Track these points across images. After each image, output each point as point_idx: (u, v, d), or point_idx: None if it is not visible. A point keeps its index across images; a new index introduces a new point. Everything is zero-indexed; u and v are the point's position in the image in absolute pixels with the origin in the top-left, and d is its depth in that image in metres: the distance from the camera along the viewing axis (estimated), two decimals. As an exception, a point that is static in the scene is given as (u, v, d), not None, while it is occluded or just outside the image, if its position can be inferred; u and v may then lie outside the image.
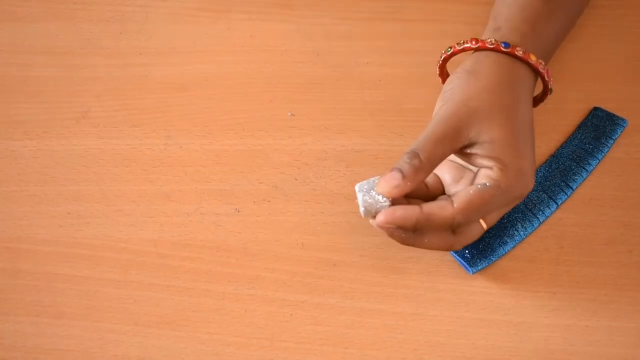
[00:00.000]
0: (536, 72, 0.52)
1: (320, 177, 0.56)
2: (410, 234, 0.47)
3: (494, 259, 0.52)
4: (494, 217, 0.50)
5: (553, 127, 0.58)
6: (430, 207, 0.47)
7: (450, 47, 0.53)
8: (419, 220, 0.46)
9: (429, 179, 0.52)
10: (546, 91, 0.53)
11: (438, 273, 0.53)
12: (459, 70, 0.52)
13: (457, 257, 0.52)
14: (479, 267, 0.52)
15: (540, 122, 0.58)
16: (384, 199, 0.47)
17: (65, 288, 0.53)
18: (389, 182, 0.46)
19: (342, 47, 0.62)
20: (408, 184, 0.46)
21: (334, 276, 0.53)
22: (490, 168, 0.48)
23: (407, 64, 0.61)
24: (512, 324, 0.51)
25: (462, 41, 0.52)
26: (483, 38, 0.51)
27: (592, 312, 0.51)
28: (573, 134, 0.58)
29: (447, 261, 0.53)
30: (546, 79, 0.52)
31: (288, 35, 0.62)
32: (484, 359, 0.50)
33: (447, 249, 0.49)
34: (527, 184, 0.49)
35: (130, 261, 0.54)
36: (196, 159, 0.57)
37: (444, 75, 0.55)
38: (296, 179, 0.57)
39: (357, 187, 0.47)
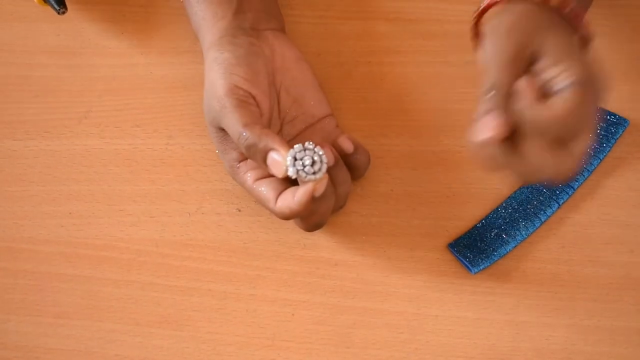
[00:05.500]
0: (561, 13, 0.47)
1: (322, 177, 0.56)
2: (505, 153, 0.44)
3: (495, 259, 0.52)
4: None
5: (554, 126, 0.58)
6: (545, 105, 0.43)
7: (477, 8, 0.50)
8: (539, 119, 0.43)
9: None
10: (586, 35, 0.49)
11: (439, 273, 0.53)
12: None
13: (459, 256, 0.53)
14: (481, 267, 0.52)
15: (542, 121, 0.58)
16: (314, 173, 0.47)
17: (66, 288, 0.53)
18: (488, 127, 0.44)
19: (343, 46, 0.62)
20: (502, 121, 0.44)
21: (335, 276, 0.53)
22: (564, 71, 0.44)
23: (408, 63, 0.61)
24: (513, 324, 0.51)
25: None
26: None
27: (594, 311, 0.52)
28: (574, 133, 0.58)
29: (449, 261, 0.53)
30: (576, 21, 0.48)
31: (289, 35, 0.62)
32: (486, 358, 0.50)
33: (561, 172, 0.44)
34: (600, 76, 0.45)
35: (131, 261, 0.54)
36: (198, 159, 0.57)
37: (478, 36, 0.51)
38: (297, 179, 0.56)
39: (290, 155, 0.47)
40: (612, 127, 0.57)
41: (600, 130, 0.57)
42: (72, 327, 0.52)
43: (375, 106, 0.59)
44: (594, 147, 0.57)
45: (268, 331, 0.51)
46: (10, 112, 0.59)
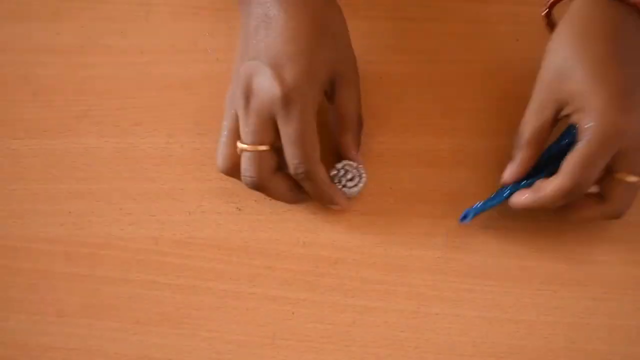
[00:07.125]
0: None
1: (321, 176, 0.56)
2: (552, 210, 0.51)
3: (489, 205, 0.53)
4: (630, 164, 0.49)
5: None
6: (538, 186, 0.50)
7: None
8: (535, 202, 0.50)
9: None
10: None
11: (439, 271, 0.53)
12: (560, 23, 0.50)
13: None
14: (474, 213, 0.52)
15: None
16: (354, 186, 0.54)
17: (66, 286, 0.53)
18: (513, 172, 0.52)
19: (343, 45, 0.62)
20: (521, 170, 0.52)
21: (335, 274, 0.53)
22: (579, 122, 0.48)
23: (408, 62, 0.61)
24: (512, 322, 0.51)
25: None
26: None
27: (593, 310, 0.52)
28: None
29: (448, 259, 0.53)
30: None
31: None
32: (485, 357, 0.50)
33: (600, 218, 0.51)
34: (623, 122, 0.46)
35: (131, 259, 0.54)
36: (197, 157, 0.57)
37: (551, 25, 0.54)
38: (297, 178, 0.56)
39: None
40: (612, 125, 0.57)
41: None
42: (72, 325, 0.52)
43: (376, 105, 0.59)
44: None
45: (268, 329, 0.51)
46: (10, 111, 0.59)
